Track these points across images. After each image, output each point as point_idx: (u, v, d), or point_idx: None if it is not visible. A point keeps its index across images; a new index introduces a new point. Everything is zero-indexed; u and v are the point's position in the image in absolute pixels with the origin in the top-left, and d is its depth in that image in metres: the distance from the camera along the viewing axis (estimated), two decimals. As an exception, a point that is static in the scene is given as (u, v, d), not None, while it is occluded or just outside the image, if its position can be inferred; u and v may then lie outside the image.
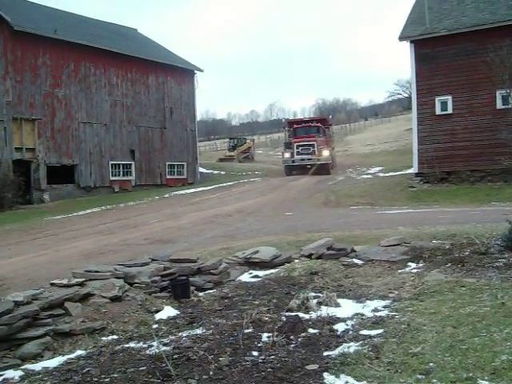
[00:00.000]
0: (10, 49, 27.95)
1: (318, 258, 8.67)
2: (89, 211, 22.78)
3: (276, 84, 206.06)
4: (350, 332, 5.01)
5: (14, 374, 4.51)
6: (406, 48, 23.87)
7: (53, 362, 4.76)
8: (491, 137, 21.17)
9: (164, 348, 4.82)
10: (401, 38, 23.69)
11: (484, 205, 17.20)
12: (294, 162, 35.09)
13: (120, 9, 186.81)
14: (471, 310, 5.15)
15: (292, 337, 4.90)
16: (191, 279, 7.20)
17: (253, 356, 4.46)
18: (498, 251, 7.78)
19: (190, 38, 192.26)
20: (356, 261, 8.47)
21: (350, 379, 3.84)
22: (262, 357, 4.42)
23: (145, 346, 5.05)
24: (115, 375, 4.27)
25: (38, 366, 4.67)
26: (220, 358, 4.43)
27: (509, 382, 3.54)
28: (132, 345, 5.12)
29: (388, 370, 3.92)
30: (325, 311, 5.62)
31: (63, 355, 4.95)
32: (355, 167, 38.46)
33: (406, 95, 73.35)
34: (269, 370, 4.12)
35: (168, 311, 6.23)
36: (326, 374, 3.97)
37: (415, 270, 7.54)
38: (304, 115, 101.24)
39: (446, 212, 15.20)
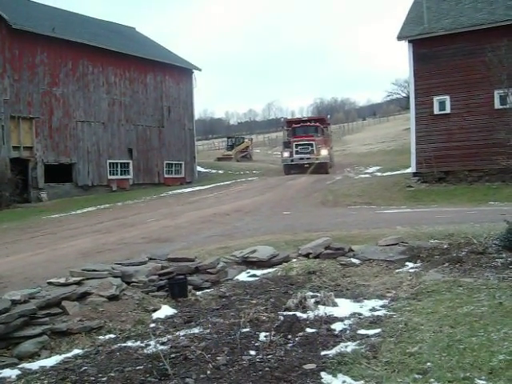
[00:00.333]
0: (7, 47, 27.88)
1: (315, 257, 8.66)
2: (86, 210, 22.76)
3: (274, 83, 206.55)
4: (348, 331, 5.01)
5: (10, 372, 4.50)
6: (405, 48, 23.90)
7: (50, 361, 4.75)
8: (489, 137, 21.19)
9: (161, 347, 4.82)
10: (399, 38, 23.70)
11: (482, 205, 17.20)
12: (292, 161, 35.18)
13: (119, 8, 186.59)
14: (469, 310, 5.16)
15: (289, 336, 4.90)
16: (189, 278, 7.20)
17: (250, 355, 4.46)
18: (496, 251, 7.79)
19: (188, 37, 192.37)
20: (354, 260, 8.46)
21: (348, 379, 3.84)
22: (260, 356, 4.41)
23: (142, 345, 5.04)
24: (112, 374, 4.26)
25: (34, 365, 4.66)
26: (217, 358, 4.42)
27: (506, 381, 3.54)
28: (129, 344, 5.11)
29: (385, 369, 3.92)
30: (322, 311, 5.62)
31: (60, 354, 4.94)
32: (353, 167, 38.48)
33: (404, 95, 73.23)
34: (266, 369, 4.12)
35: (165, 310, 6.22)
36: (323, 374, 3.96)
37: (413, 270, 7.53)
38: (302, 114, 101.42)
39: (444, 212, 15.21)
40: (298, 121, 40.87)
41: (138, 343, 5.10)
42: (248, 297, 6.63)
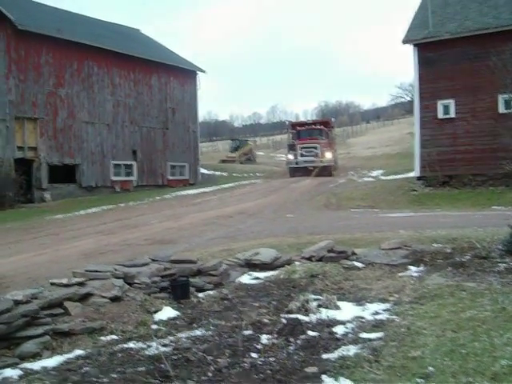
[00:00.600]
0: (13, 47, 27.97)
1: (318, 260, 8.65)
2: (90, 211, 22.80)
3: (278, 86, 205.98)
4: (350, 335, 4.99)
5: (12, 372, 4.49)
6: (410, 51, 23.91)
7: (51, 362, 4.74)
8: (493, 141, 21.17)
9: (163, 349, 4.81)
10: (404, 42, 23.70)
11: (485, 209, 17.17)
12: (297, 163, 35.30)
13: (123, 9, 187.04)
14: (472, 315, 5.14)
15: (291, 339, 4.89)
16: (191, 280, 7.19)
17: (252, 358, 4.45)
18: (499, 256, 7.77)
19: (192, 40, 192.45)
20: (356, 264, 8.45)
21: (349, 382, 3.83)
22: (261, 359, 4.40)
23: (144, 346, 5.04)
24: (114, 375, 4.26)
25: (36, 366, 4.65)
26: (219, 360, 4.42)
27: (509, 387, 3.52)
28: (131, 345, 5.10)
29: (387, 373, 3.91)
30: (324, 314, 5.61)
31: (62, 355, 4.93)
32: (357, 170, 38.45)
33: (409, 98, 73.27)
34: (268, 372, 4.11)
35: (167, 312, 6.21)
36: (324, 377, 3.95)
37: (416, 274, 7.52)
38: (306, 117, 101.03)
39: (448, 216, 15.18)
40: (303, 124, 41.01)
41: (140, 345, 5.10)
42: (250, 299, 6.62)
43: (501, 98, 21.08)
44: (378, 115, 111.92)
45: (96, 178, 32.03)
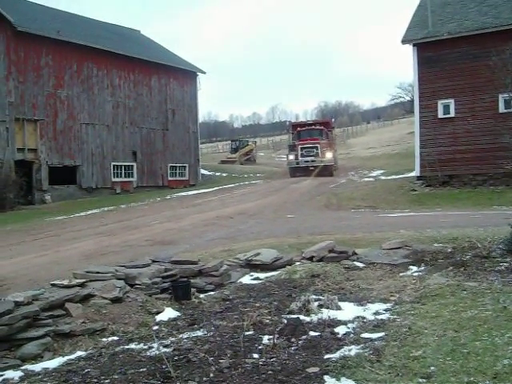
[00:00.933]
0: (13, 49, 28.00)
1: (319, 260, 8.65)
2: (90, 212, 22.79)
3: (278, 86, 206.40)
4: (351, 335, 4.99)
5: (13, 374, 4.50)
6: (409, 51, 23.90)
7: (53, 363, 4.74)
8: (493, 141, 21.15)
9: (164, 349, 4.81)
10: (404, 41, 23.69)
11: (486, 209, 17.15)
12: (298, 163, 35.37)
13: (124, 10, 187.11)
14: (473, 314, 5.13)
15: (293, 339, 4.88)
16: (192, 281, 7.19)
17: (253, 358, 4.44)
18: (500, 255, 7.76)
19: (192, 41, 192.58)
20: (357, 264, 8.45)
21: (351, 382, 3.83)
22: (263, 359, 4.40)
23: (145, 347, 5.04)
24: (115, 376, 4.26)
25: (37, 367, 4.66)
26: (220, 360, 4.41)
27: (510, 386, 3.52)
28: (132, 346, 5.10)
29: (389, 373, 3.90)
30: (326, 314, 5.60)
31: (63, 356, 4.93)
32: (357, 170, 38.41)
33: (409, 98, 73.31)
34: (269, 372, 4.11)
35: (168, 313, 6.22)
36: (326, 377, 3.95)
37: (417, 274, 7.52)
38: (306, 118, 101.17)
39: (448, 215, 15.17)
40: (303, 124, 41.07)
41: (141, 345, 5.10)
42: (251, 300, 6.62)
43: (501, 98, 21.08)
44: (377, 115, 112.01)
45: (96, 180, 32.05)
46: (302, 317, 5.55)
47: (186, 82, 38.64)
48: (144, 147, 35.07)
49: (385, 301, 6.22)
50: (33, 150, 28.84)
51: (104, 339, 5.36)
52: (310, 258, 8.76)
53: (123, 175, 33.75)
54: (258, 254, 8.78)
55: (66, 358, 4.88)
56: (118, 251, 11.70)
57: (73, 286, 6.14)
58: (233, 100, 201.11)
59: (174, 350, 4.83)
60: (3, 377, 4.44)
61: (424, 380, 3.73)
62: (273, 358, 4.43)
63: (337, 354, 4.42)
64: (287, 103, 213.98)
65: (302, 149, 35.34)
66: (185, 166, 38.30)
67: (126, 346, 5.10)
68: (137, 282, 6.78)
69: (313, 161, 34.69)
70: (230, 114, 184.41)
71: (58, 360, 4.83)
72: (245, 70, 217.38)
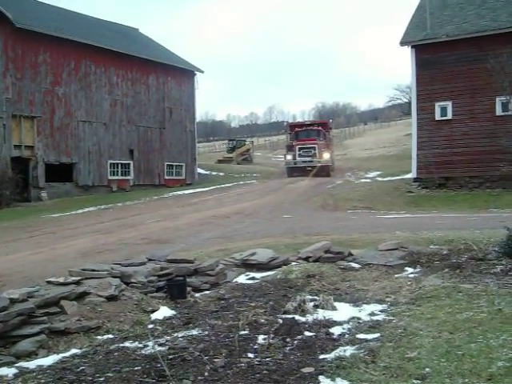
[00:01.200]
0: (10, 46, 27.93)
1: (315, 260, 8.65)
2: (86, 210, 22.77)
3: (276, 87, 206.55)
4: (347, 335, 4.99)
5: (8, 371, 4.48)
6: (407, 53, 23.95)
7: (47, 360, 4.73)
8: (490, 143, 21.22)
9: (159, 348, 4.80)
10: (402, 43, 23.74)
11: (482, 211, 17.19)
12: (295, 163, 35.47)
13: (122, 8, 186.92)
14: (468, 316, 5.14)
15: (288, 339, 4.88)
16: (188, 280, 7.18)
17: (248, 358, 4.44)
18: (496, 257, 7.77)
19: (190, 40, 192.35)
20: (353, 264, 8.45)
21: (346, 383, 3.83)
22: (258, 359, 4.40)
23: (140, 345, 5.03)
24: (110, 374, 4.25)
25: (32, 364, 4.65)
26: (215, 360, 4.41)
27: (505, 388, 3.52)
28: (127, 344, 5.10)
29: (384, 374, 3.91)
30: (321, 314, 5.60)
31: (58, 353, 4.92)
32: (354, 171, 38.44)
33: (406, 100, 73.50)
34: (264, 372, 4.11)
35: (164, 311, 6.21)
36: (321, 377, 3.95)
37: (412, 275, 7.53)
38: (304, 118, 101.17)
39: (444, 218, 15.20)
40: (301, 125, 41.19)
41: (136, 344, 5.09)
42: (247, 299, 6.62)
43: (498, 101, 21.16)
44: (374, 116, 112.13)
45: (93, 177, 31.99)
46: (297, 317, 5.56)
47: (183, 81, 38.61)
48: (141, 145, 35.03)
49: (380, 302, 6.23)
50: (29, 147, 28.76)
51: (99, 337, 5.35)
52: (306, 259, 8.76)
53: (120, 173, 33.70)
54: (253, 254, 8.78)
55: (61, 355, 4.87)
56: (114, 249, 11.69)
57: (68, 284, 6.12)
58: (230, 99, 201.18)
59: (169, 348, 4.82)
60: (-2, 374, 4.43)
61: (419, 381, 3.73)
62: (268, 357, 4.42)
63: (332, 355, 4.42)
64: (285, 103, 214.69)
65: (299, 149, 35.43)
66: (181, 165, 38.27)
67: (121, 344, 5.09)
68: (132, 280, 6.77)
69: (310, 161, 34.78)
70: (228, 114, 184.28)
71: (53, 357, 4.82)
72: (243, 69, 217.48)
